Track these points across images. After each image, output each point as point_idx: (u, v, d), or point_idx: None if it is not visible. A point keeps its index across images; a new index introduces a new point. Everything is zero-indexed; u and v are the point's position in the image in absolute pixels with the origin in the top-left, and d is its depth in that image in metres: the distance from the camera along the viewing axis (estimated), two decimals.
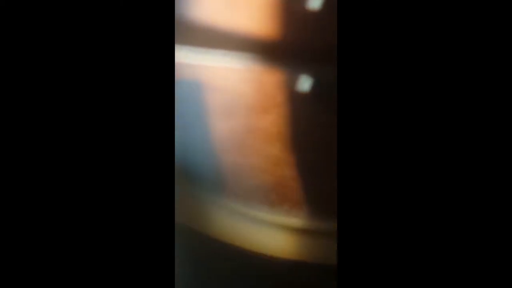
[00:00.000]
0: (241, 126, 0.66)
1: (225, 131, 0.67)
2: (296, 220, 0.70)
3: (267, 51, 0.61)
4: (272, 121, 0.64)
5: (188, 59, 0.63)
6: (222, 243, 0.73)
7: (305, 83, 0.61)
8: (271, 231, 0.71)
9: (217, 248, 0.73)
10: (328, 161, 0.61)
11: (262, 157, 0.67)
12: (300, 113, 0.63)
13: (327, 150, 0.61)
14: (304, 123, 0.64)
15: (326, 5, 0.57)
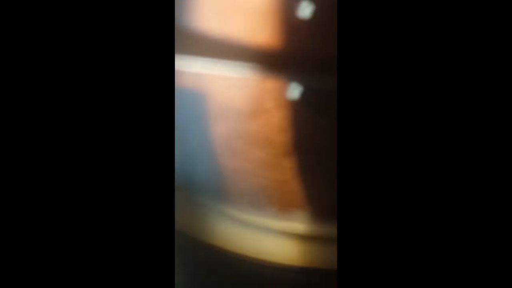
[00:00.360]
0: (239, 132, 0.66)
1: (225, 139, 0.68)
2: (296, 226, 0.69)
3: (267, 60, 0.61)
4: (272, 127, 0.65)
5: (188, 68, 0.63)
6: (222, 250, 0.73)
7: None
8: (272, 237, 0.71)
9: (216, 255, 0.73)
10: (329, 166, 0.61)
11: (263, 163, 0.67)
12: (301, 119, 0.64)
13: (328, 155, 0.61)
14: (305, 128, 0.65)
15: (325, 14, 0.58)
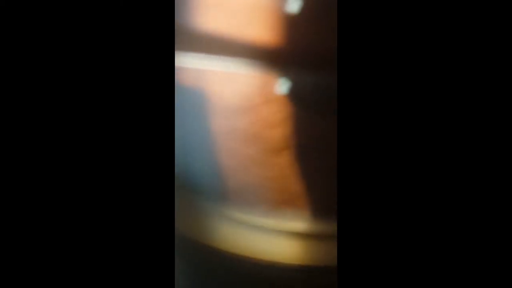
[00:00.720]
0: (239, 129, 0.66)
1: (224, 137, 0.67)
2: (296, 224, 0.69)
3: (266, 56, 0.61)
4: (270, 124, 0.65)
5: (187, 65, 0.63)
6: (221, 251, 0.72)
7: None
8: (272, 237, 0.71)
9: (216, 256, 0.73)
10: (329, 162, 0.61)
11: (261, 161, 0.67)
12: (301, 115, 0.64)
13: (328, 151, 0.61)
14: (305, 125, 0.65)
15: (325, 10, 0.58)
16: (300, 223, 0.69)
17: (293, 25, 0.60)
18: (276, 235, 0.71)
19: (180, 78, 0.64)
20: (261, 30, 0.60)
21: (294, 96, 0.63)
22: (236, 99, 0.64)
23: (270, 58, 0.61)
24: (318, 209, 0.68)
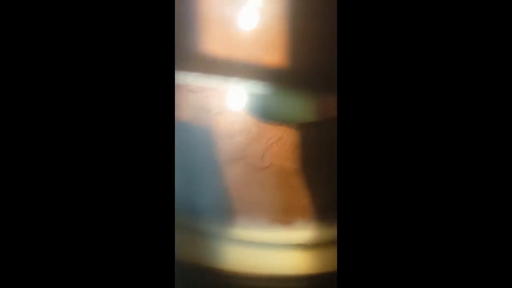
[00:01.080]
0: (237, 150, 0.66)
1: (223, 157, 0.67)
2: (297, 234, 0.69)
3: (271, 77, 0.61)
4: (275, 146, 0.65)
5: (190, 83, 0.63)
6: (222, 271, 0.71)
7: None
8: (273, 250, 0.70)
9: (216, 277, 0.72)
10: (329, 170, 0.61)
11: (262, 179, 0.67)
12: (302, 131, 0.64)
13: (329, 163, 0.61)
14: (303, 139, 0.64)
15: (326, 31, 0.58)
16: (301, 232, 0.69)
17: (294, 45, 0.60)
18: (277, 248, 0.70)
19: (179, 96, 0.64)
20: (263, 51, 0.61)
21: (297, 111, 0.62)
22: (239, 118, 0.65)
23: (272, 78, 0.61)
24: (318, 218, 0.68)
